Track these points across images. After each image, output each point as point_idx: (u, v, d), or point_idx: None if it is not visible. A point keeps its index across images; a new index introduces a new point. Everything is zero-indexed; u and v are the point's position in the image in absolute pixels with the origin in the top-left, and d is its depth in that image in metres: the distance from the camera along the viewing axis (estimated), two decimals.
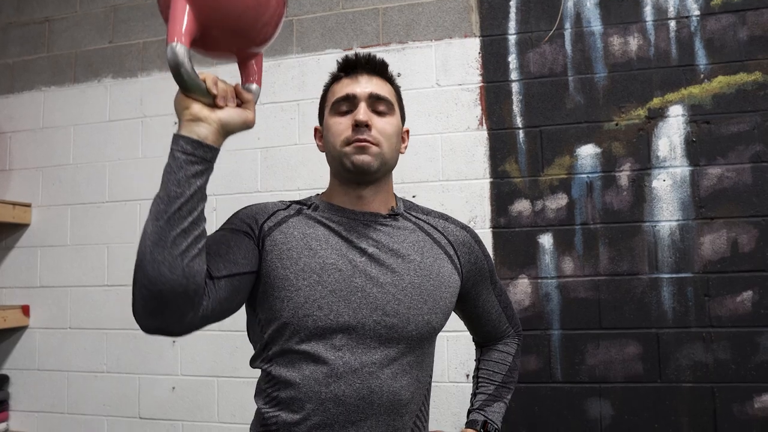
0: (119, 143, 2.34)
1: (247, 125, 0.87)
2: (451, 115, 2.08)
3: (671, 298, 1.86)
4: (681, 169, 1.90)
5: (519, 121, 2.02)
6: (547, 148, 1.99)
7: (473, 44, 2.11)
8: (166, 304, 0.78)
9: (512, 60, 2.06)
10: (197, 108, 0.81)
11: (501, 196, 2.00)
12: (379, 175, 1.03)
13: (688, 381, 1.83)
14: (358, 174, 1.01)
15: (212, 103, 0.82)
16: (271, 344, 0.98)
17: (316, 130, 1.14)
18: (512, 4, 2.09)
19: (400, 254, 1.02)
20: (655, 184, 1.90)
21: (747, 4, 1.91)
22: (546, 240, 1.96)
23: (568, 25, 2.04)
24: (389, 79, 1.10)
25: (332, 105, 1.05)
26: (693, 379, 1.83)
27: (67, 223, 2.38)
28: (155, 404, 2.21)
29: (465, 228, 1.15)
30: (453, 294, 1.07)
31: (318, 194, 1.13)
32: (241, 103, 0.87)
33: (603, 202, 1.93)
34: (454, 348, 1.98)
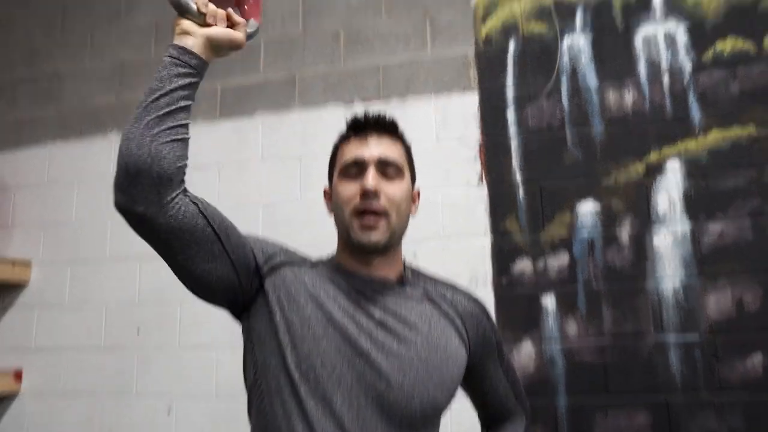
0: None
1: (234, 44, 0.96)
2: (450, 171, 2.10)
3: (679, 361, 1.82)
4: (681, 225, 1.90)
5: (518, 176, 2.03)
6: (547, 204, 1.99)
7: (472, 98, 2.14)
8: (132, 179, 0.84)
9: (510, 114, 2.09)
10: (187, 24, 0.92)
11: (502, 255, 1.99)
12: (388, 246, 1.01)
13: None
14: (365, 251, 1.00)
15: (203, 22, 0.92)
16: (267, 397, 0.96)
17: (325, 191, 1.13)
18: (509, 58, 2.13)
19: (408, 323, 0.99)
20: (656, 241, 1.90)
21: (737, 59, 1.95)
22: (549, 301, 1.94)
23: (564, 80, 2.07)
24: (400, 138, 1.09)
25: (341, 168, 1.04)
26: None
27: (66, 282, 2.35)
28: None
29: (474, 300, 1.12)
30: (460, 370, 1.03)
31: (328, 255, 1.11)
32: (232, 25, 0.95)
33: (605, 260, 1.93)
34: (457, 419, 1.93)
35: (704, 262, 1.87)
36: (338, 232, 1.06)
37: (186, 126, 0.90)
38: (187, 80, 0.89)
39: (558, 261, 1.96)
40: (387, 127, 1.06)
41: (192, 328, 1.87)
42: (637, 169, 1.96)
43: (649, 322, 1.87)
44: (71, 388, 2.26)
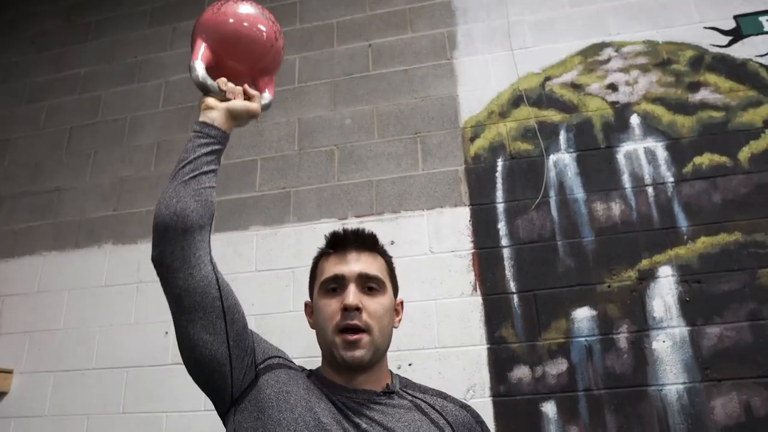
0: (113, 308, 2.35)
1: (251, 113, 1.08)
2: (444, 281, 2.12)
3: None
4: (679, 329, 1.90)
5: (512, 285, 2.06)
6: (543, 311, 2.00)
7: (463, 213, 2.22)
8: (161, 235, 0.94)
9: (502, 227, 2.15)
10: (210, 100, 1.05)
11: (499, 363, 1.96)
12: (373, 362, 1.03)
13: None
14: (350, 368, 1.02)
15: (224, 97, 1.06)
16: None
17: (306, 305, 1.15)
18: (498, 175, 2.23)
19: None
20: (655, 345, 1.89)
21: (715, 172, 2.07)
22: (549, 408, 1.88)
23: (552, 193, 2.16)
24: (380, 252, 1.12)
25: (321, 284, 1.07)
26: None
27: (47, 392, 2.28)
28: None
29: (465, 407, 1.10)
30: None
31: (312, 370, 1.12)
32: (248, 98, 1.09)
33: (604, 365, 1.90)
34: None
35: (706, 365, 1.85)
36: (321, 350, 1.08)
37: (211, 189, 1.00)
38: (210, 148, 1.00)
39: (556, 368, 1.92)
40: (366, 243, 1.10)
41: None
42: (630, 275, 1.98)
43: (655, 428, 1.80)
44: None
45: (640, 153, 2.16)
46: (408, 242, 2.21)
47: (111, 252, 2.47)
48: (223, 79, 1.07)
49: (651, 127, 2.19)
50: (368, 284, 1.04)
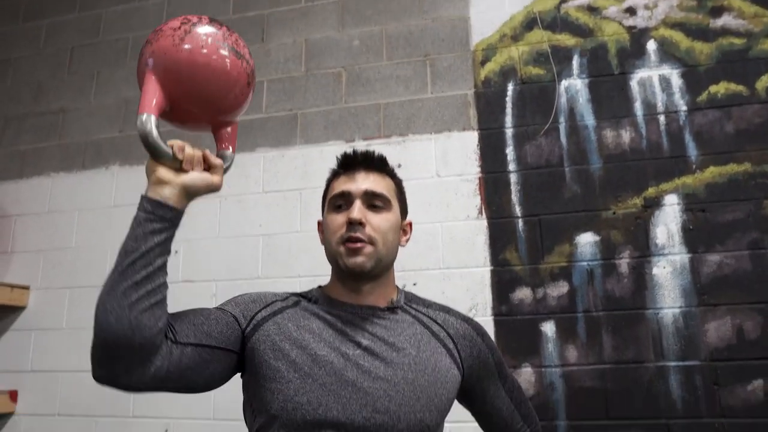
0: (122, 228, 2.34)
1: (212, 189, 0.94)
2: (451, 205, 2.17)
3: (680, 387, 1.86)
4: (680, 256, 1.96)
5: (518, 210, 2.10)
6: (547, 236, 2.05)
7: (472, 137, 2.23)
8: (112, 353, 0.83)
9: (510, 152, 2.17)
10: (163, 171, 0.89)
11: (502, 284, 2.04)
12: (377, 272, 1.06)
13: None
14: (352, 275, 1.05)
15: (179, 167, 0.90)
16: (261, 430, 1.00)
17: (318, 223, 1.18)
18: (508, 99, 2.23)
19: (395, 347, 1.02)
20: (655, 271, 1.96)
21: (730, 101, 2.06)
22: (549, 328, 1.97)
23: (562, 119, 2.17)
24: (389, 174, 1.15)
25: (329, 201, 1.11)
26: None
27: (64, 306, 2.41)
28: None
29: (467, 320, 1.15)
30: (451, 390, 1.05)
31: (319, 286, 1.17)
32: (208, 167, 0.94)
33: (604, 289, 1.98)
34: None
35: (704, 291, 1.92)
36: (329, 262, 1.11)
37: (164, 285, 0.88)
38: (164, 236, 0.87)
39: (557, 290, 2.00)
40: (375, 163, 1.12)
41: None
42: (636, 203, 2.02)
43: (649, 349, 1.90)
44: (67, 410, 2.29)
45: (654, 80, 2.15)
46: (415, 165, 2.25)
47: (118, 173, 2.52)
48: (178, 144, 0.90)
49: (668, 53, 2.16)
50: (373, 201, 1.07)
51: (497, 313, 2.02)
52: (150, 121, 0.87)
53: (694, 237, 1.96)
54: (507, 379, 1.17)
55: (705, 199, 1.99)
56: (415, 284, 2.07)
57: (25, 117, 2.73)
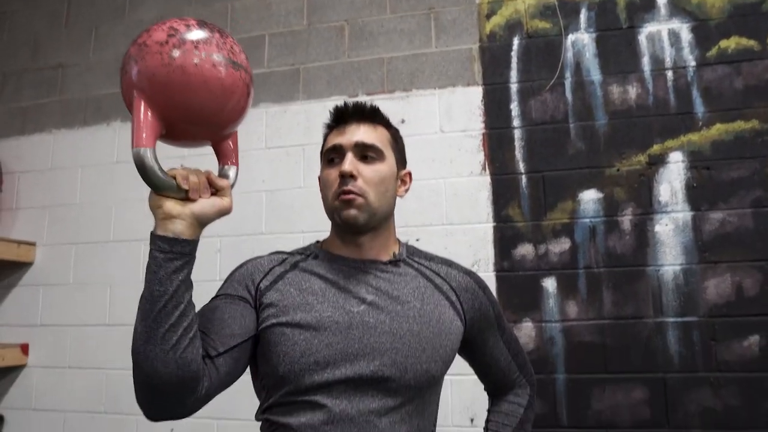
0: (125, 184, 2.43)
1: (223, 213, 0.90)
2: (454, 161, 2.16)
3: (677, 342, 1.90)
4: (683, 213, 1.96)
5: (521, 166, 2.10)
6: (550, 192, 2.05)
7: (476, 92, 2.21)
8: (164, 396, 0.84)
9: (514, 107, 2.15)
10: (170, 205, 0.84)
11: (504, 240, 2.06)
12: (372, 224, 1.06)
13: (697, 427, 1.85)
14: (348, 227, 1.05)
15: (185, 197, 0.85)
16: (270, 395, 1.01)
17: (319, 179, 1.17)
18: (513, 54, 2.20)
19: (399, 300, 1.04)
20: (657, 228, 1.97)
21: (741, 56, 2.03)
22: (550, 284, 2.00)
23: (568, 75, 2.14)
24: (383, 123, 1.13)
25: (323, 155, 1.11)
26: (702, 425, 1.85)
27: (70, 262, 2.45)
28: None
29: (469, 273, 1.16)
30: (455, 341, 1.07)
31: (318, 241, 1.17)
32: (216, 191, 0.90)
33: (606, 246, 2.00)
34: (458, 392, 1.98)
35: (705, 249, 1.94)
36: (329, 217, 1.11)
37: (195, 314, 0.87)
38: (186, 271, 0.84)
39: (559, 246, 2.02)
40: (366, 114, 1.10)
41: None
42: (640, 160, 2.02)
43: (648, 305, 1.93)
44: (77, 362, 2.36)
45: (663, 35, 2.11)
46: (419, 121, 2.24)
47: (120, 129, 2.51)
48: (181, 173, 0.84)
49: (678, 6, 2.12)
50: (365, 153, 1.06)
51: (499, 269, 2.05)
52: (147, 155, 0.80)
53: (698, 195, 1.97)
54: (505, 331, 1.19)
55: (710, 157, 1.98)
56: (418, 240, 2.09)
57: (24, 73, 2.71)
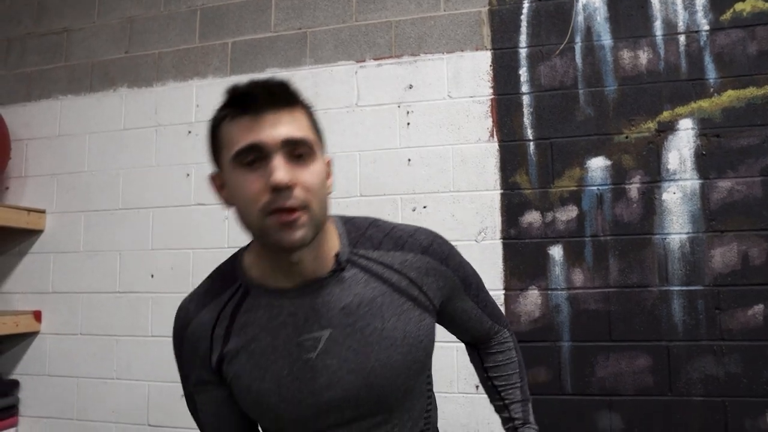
0: (133, 151, 2.43)
1: None
2: (462, 127, 2.15)
3: (682, 311, 1.91)
4: (691, 182, 1.95)
5: (530, 133, 2.09)
6: (558, 160, 2.05)
7: (484, 57, 2.18)
8: None
9: (523, 73, 2.13)
10: None
11: (511, 208, 2.06)
12: (315, 237, 0.88)
13: (699, 394, 1.88)
14: (290, 252, 0.86)
15: None
16: None
17: (213, 178, 0.94)
18: (523, 18, 2.16)
19: (357, 326, 0.93)
20: (665, 196, 1.96)
21: (756, 20, 1.99)
22: (556, 252, 2.01)
23: (578, 39, 2.11)
24: (300, 104, 0.89)
25: (235, 156, 0.84)
26: (704, 392, 1.88)
27: (80, 230, 2.48)
28: (164, 412, 2.28)
29: (426, 251, 0.99)
30: (428, 339, 1.00)
31: (239, 260, 1.00)
32: None
33: (613, 214, 2.00)
34: (464, 359, 2.00)
35: (712, 217, 1.94)
36: (250, 233, 0.88)
37: None
38: None
39: (566, 214, 2.02)
40: (282, 97, 0.85)
41: (204, 274, 2.00)
42: (649, 127, 2.00)
43: (654, 273, 1.94)
44: (88, 329, 2.42)
45: None
46: (426, 86, 2.21)
47: (126, 95, 2.50)
48: None
49: None
50: (297, 151, 0.83)
51: (506, 237, 2.06)
52: None
53: (707, 163, 1.95)
54: (471, 286, 1.08)
55: (720, 124, 1.96)
56: (425, 207, 2.10)
57: (28, 38, 2.68)
